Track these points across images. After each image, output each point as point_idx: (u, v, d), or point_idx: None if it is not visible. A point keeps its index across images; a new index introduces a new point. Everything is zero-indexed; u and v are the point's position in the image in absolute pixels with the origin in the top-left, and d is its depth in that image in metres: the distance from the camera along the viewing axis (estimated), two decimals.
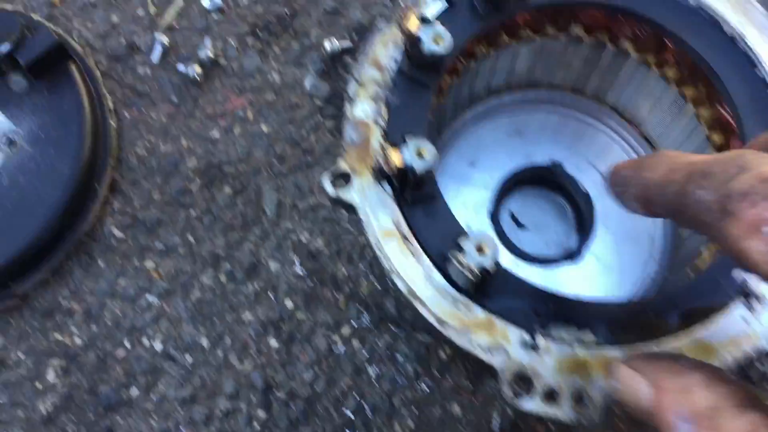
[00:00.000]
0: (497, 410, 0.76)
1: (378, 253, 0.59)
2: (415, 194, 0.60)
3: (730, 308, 0.58)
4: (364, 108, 0.64)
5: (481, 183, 0.86)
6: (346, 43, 0.90)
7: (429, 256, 0.59)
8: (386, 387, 0.77)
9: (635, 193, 0.49)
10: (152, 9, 0.92)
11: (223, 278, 0.81)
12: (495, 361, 0.57)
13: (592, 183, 0.86)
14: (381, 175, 0.60)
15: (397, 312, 0.79)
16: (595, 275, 0.82)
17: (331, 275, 0.81)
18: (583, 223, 0.85)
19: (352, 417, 0.76)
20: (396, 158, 0.58)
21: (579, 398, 0.55)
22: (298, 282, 0.80)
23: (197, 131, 0.87)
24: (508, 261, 0.82)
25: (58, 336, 0.79)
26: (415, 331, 0.79)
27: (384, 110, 0.64)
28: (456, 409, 0.76)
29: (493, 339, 0.57)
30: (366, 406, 0.76)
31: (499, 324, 0.58)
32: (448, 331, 0.58)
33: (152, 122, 0.87)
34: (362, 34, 0.90)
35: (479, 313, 0.58)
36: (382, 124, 0.63)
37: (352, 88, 0.64)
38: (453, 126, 0.86)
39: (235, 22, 0.92)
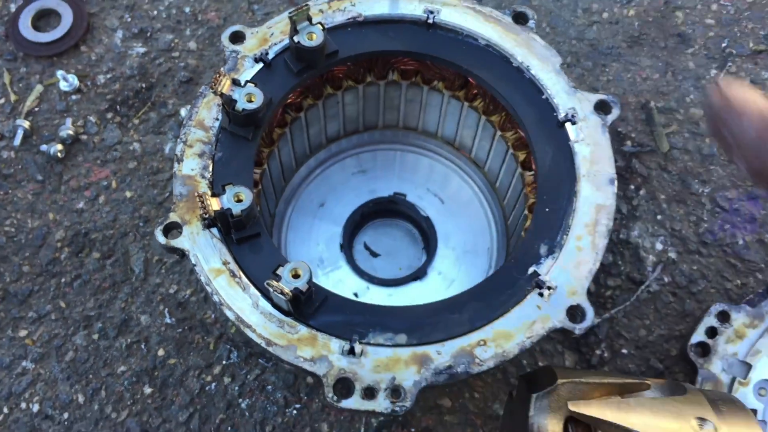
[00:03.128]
0: (362, 423, 0.83)
1: (208, 289, 0.66)
2: (240, 234, 0.68)
3: (525, 299, 0.67)
4: (191, 165, 0.72)
5: (331, 219, 0.94)
6: None
7: (256, 287, 0.67)
8: (258, 417, 0.83)
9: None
10: (13, 97, 0.99)
11: (95, 336, 0.86)
12: (318, 369, 0.64)
13: (434, 209, 0.96)
14: (208, 221, 0.68)
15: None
16: (439, 289, 0.91)
17: (199, 320, 0.87)
18: (428, 244, 0.95)
19: None
20: (214, 204, 0.65)
21: (395, 391, 0.63)
22: (168, 331, 0.86)
23: (63, 204, 0.93)
24: (361, 287, 0.90)
25: None
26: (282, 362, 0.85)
27: (210, 165, 0.72)
28: (324, 427, 0.83)
29: (317, 351, 0.65)
30: None
31: (322, 338, 0.65)
32: (275, 350, 0.65)
33: (18, 201, 0.93)
34: None
35: (303, 330, 0.65)
36: (208, 176, 0.71)
37: (179, 148, 0.72)
38: (300, 172, 0.95)
39: (94, 101, 0.99)
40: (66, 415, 0.83)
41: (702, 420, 0.54)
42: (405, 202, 0.95)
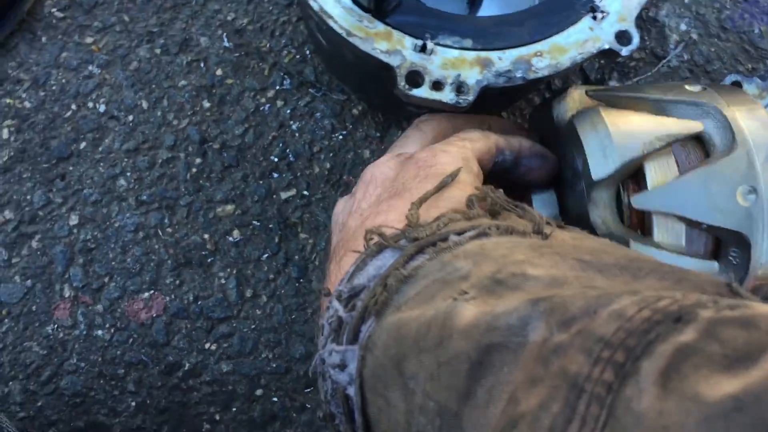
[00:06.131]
0: None
1: None
2: None
3: (580, 21, 0.75)
4: None
5: None
6: None
7: None
8: (307, 138, 0.91)
9: None
10: None
11: (158, 51, 0.91)
12: (393, 61, 0.71)
13: None
14: None
15: (315, 77, 0.93)
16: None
17: (255, 48, 0.93)
18: None
19: (277, 161, 0.90)
20: None
21: (459, 87, 0.71)
22: (226, 54, 0.92)
23: None
24: None
25: (8, 101, 0.88)
26: (331, 92, 0.92)
27: None
28: (366, 153, 0.91)
29: (391, 45, 0.72)
30: (289, 153, 0.90)
31: (396, 34, 0.72)
32: (354, 40, 0.72)
33: None
34: None
35: (380, 26, 0.72)
36: None
37: None
38: None
39: None
40: (131, 118, 0.89)
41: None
42: None
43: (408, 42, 0.74)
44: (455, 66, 0.73)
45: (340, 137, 0.92)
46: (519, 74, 0.73)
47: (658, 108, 0.64)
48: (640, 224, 0.62)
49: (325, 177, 0.90)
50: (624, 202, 0.62)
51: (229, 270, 0.87)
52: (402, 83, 0.72)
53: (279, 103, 0.92)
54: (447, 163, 0.57)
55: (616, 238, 0.60)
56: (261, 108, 0.91)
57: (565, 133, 0.65)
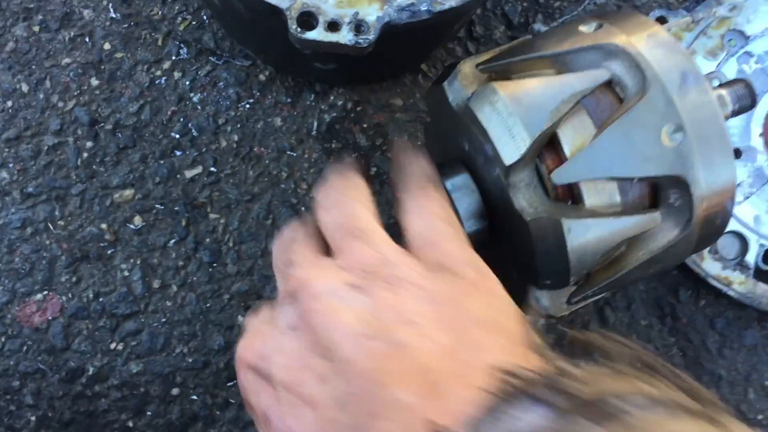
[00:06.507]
0: (315, 118, 0.84)
1: None
2: None
3: None
4: None
5: None
6: None
7: None
8: (210, 110, 0.83)
9: None
10: None
11: (36, 29, 0.83)
12: (281, 2, 0.63)
13: None
14: None
15: (215, 44, 0.84)
16: None
17: (146, 17, 0.84)
18: None
19: (179, 138, 0.82)
20: None
21: (358, 26, 0.64)
22: (113, 26, 0.83)
23: None
24: None
25: None
26: (234, 59, 0.84)
27: None
28: (277, 121, 0.83)
29: None
30: (192, 128, 0.82)
31: None
32: None
33: None
34: None
35: None
36: None
37: None
38: None
39: None
40: (10, 103, 0.80)
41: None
42: None
43: None
44: (352, 3, 0.66)
45: (247, 106, 0.83)
46: (424, 6, 0.66)
47: (559, 64, 0.57)
48: (569, 193, 0.56)
49: (234, 150, 0.82)
50: (545, 177, 0.55)
51: (132, 261, 0.79)
52: (293, 27, 0.64)
53: (177, 74, 0.83)
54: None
55: (547, 219, 0.53)
56: (156, 81, 0.83)
57: (465, 119, 0.58)
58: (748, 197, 0.76)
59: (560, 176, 0.53)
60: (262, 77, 0.85)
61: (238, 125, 0.83)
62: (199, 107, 0.83)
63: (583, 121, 0.56)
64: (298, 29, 0.63)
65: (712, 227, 0.58)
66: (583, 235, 0.55)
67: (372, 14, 0.64)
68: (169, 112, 0.82)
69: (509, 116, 0.55)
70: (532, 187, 0.57)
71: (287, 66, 0.83)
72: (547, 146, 0.57)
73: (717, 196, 0.55)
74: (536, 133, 0.54)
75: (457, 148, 0.60)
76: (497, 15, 0.89)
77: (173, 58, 0.84)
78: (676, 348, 0.81)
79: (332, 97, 0.85)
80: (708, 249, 0.76)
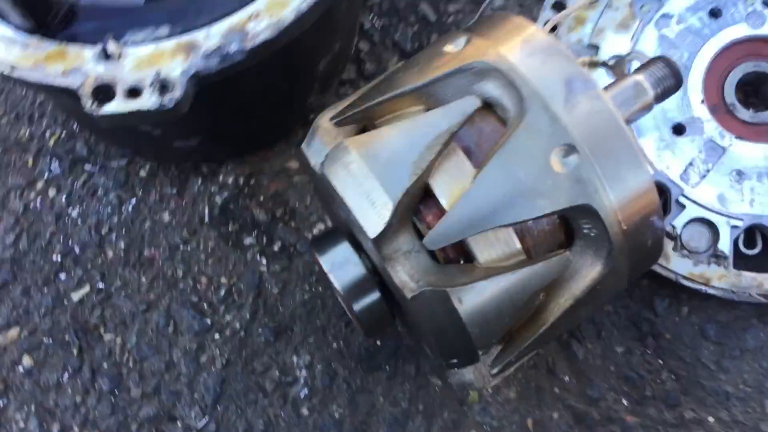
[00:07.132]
0: (205, 203, 0.75)
1: None
2: None
3: None
4: None
5: None
6: None
7: None
8: (91, 221, 0.75)
9: None
10: None
11: None
12: (72, 82, 0.55)
13: None
14: None
15: (88, 150, 0.77)
16: None
17: (14, 140, 0.78)
18: None
19: (62, 260, 0.73)
20: None
21: (163, 86, 0.55)
22: None
23: None
24: None
25: None
26: (110, 161, 0.77)
27: None
28: (165, 216, 0.75)
29: (68, 63, 0.56)
30: (74, 246, 0.74)
31: (73, 49, 0.57)
32: (20, 74, 0.56)
33: None
34: None
35: (51, 46, 0.57)
36: None
37: None
38: None
39: None
40: None
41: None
42: None
43: (88, 53, 0.58)
44: (152, 62, 0.57)
45: (131, 208, 0.75)
46: (234, 47, 0.57)
47: (425, 97, 0.47)
48: (461, 250, 0.45)
49: (122, 260, 0.73)
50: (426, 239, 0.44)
51: (26, 408, 0.69)
52: (88, 103, 0.55)
53: (51, 192, 0.76)
54: None
55: (432, 292, 0.43)
56: (31, 205, 0.76)
57: (326, 186, 0.47)
58: (704, 176, 0.61)
59: (433, 241, 0.42)
60: (142, 173, 0.76)
61: (124, 231, 0.74)
62: (79, 221, 0.75)
63: (458, 162, 0.44)
64: (94, 104, 0.54)
65: (644, 250, 0.45)
66: (479, 300, 0.43)
67: (176, 69, 0.55)
68: (47, 235, 0.74)
69: (365, 179, 0.43)
70: (412, 255, 0.45)
71: (154, 154, 0.75)
72: (424, 200, 0.45)
73: (636, 214, 0.43)
74: (398, 194, 0.42)
75: (339, 213, 0.49)
76: (387, 46, 0.79)
77: (45, 176, 0.77)
78: (666, 372, 0.64)
79: (222, 176, 0.75)
80: (672, 246, 0.60)
